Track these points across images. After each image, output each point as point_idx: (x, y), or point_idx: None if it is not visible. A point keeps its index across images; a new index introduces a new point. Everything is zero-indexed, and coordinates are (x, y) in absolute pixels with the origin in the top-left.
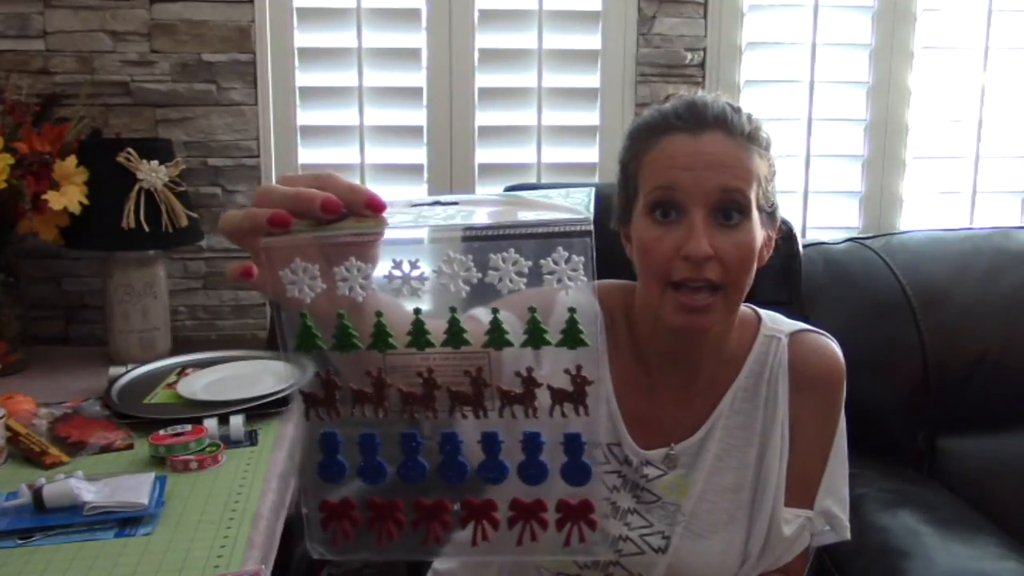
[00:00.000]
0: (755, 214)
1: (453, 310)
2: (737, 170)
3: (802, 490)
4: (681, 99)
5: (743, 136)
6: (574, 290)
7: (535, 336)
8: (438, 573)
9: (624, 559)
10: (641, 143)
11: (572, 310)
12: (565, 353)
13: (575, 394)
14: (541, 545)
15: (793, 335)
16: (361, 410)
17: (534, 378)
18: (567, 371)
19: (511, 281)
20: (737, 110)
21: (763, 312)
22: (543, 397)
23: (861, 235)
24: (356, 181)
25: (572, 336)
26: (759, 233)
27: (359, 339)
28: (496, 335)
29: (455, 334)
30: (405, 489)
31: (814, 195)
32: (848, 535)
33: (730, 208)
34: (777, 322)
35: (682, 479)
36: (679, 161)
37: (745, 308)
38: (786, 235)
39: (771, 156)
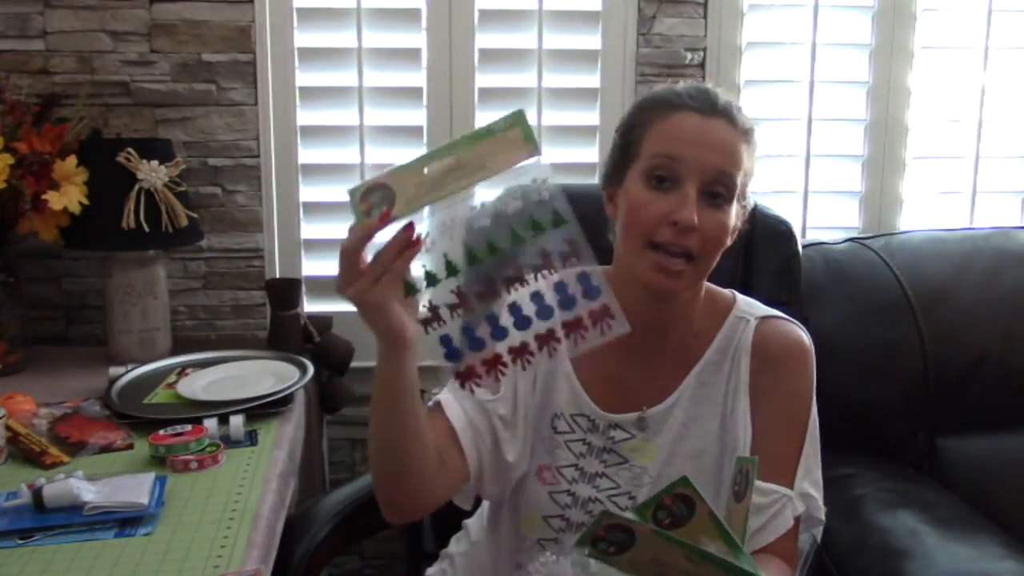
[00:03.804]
0: (735, 201)
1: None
2: (734, 157)
3: (773, 465)
4: (693, 85)
5: (741, 131)
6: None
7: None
8: (449, 555)
9: None
10: (652, 112)
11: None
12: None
13: (573, 253)
14: (589, 339)
15: (763, 319)
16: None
17: (546, 250)
18: (564, 240)
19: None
20: (739, 109)
21: (741, 297)
22: (556, 260)
23: (861, 235)
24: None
25: (557, 219)
26: (734, 218)
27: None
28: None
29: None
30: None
31: (814, 195)
32: (823, 516)
33: (719, 189)
34: (751, 306)
35: (647, 443)
36: (688, 136)
37: (725, 291)
38: (786, 235)
39: (755, 157)
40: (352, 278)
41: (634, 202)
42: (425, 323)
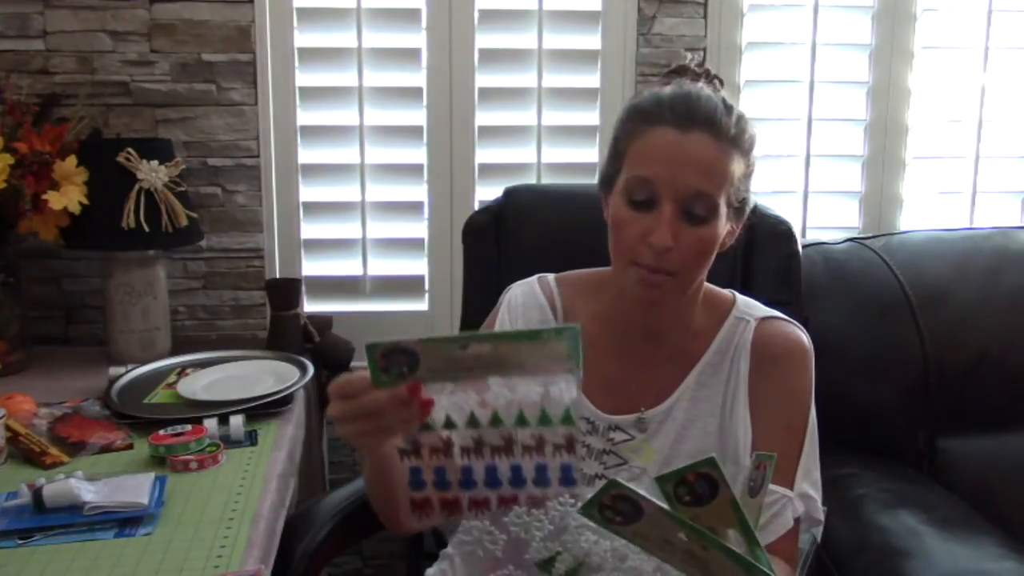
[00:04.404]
0: (722, 212)
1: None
2: (712, 174)
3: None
4: (680, 89)
5: (727, 139)
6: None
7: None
8: (449, 555)
9: None
10: (632, 126)
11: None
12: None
13: (567, 448)
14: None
15: (762, 320)
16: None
17: (543, 438)
18: (563, 435)
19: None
20: (729, 109)
21: (740, 297)
22: (548, 448)
23: (861, 235)
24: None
25: (566, 418)
26: (723, 228)
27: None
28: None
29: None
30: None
31: (814, 195)
32: (822, 516)
33: (698, 208)
34: (751, 307)
35: (646, 444)
36: (661, 155)
37: (725, 291)
38: (786, 235)
39: (751, 155)
40: (351, 422)
41: (615, 220)
42: (403, 453)
